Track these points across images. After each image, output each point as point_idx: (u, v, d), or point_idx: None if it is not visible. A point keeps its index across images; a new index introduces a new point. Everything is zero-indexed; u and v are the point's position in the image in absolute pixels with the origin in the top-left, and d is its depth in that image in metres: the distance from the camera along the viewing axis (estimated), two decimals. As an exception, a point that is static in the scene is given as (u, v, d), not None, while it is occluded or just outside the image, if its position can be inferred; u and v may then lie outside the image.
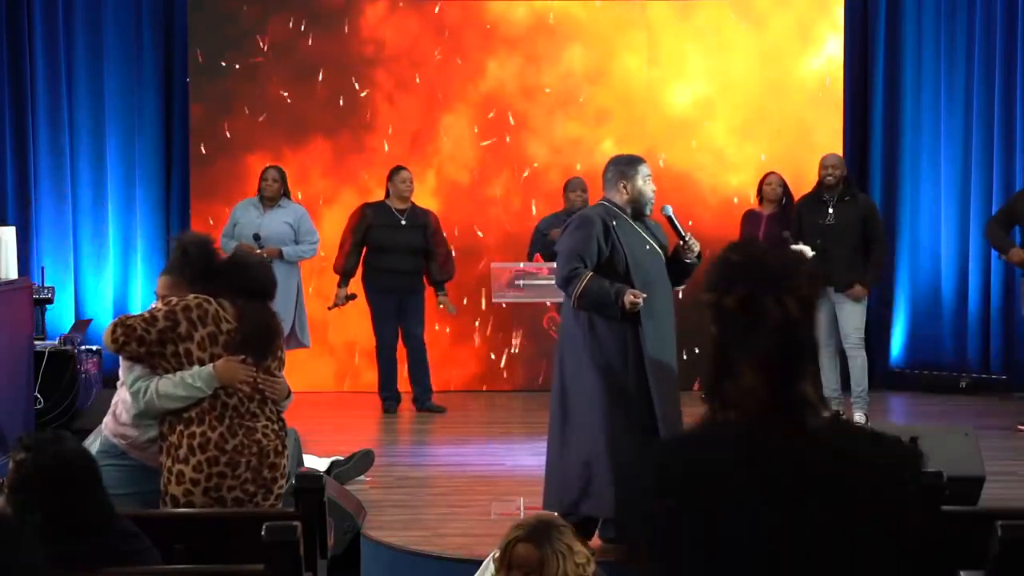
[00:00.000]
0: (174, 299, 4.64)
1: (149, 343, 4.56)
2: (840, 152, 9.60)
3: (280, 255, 9.00)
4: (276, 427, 4.72)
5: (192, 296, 4.63)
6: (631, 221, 5.82)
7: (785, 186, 9.15)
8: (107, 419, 4.86)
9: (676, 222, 5.99)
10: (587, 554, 3.84)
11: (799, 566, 2.06)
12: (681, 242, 5.87)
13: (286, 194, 9.28)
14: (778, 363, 2.06)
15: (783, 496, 2.06)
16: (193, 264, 4.73)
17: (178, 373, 4.57)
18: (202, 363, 4.58)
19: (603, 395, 5.72)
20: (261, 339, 4.70)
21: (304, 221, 9.23)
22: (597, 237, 5.74)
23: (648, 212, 5.88)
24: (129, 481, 4.69)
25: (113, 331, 4.59)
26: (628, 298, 5.64)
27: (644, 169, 5.89)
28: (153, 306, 4.72)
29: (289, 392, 4.85)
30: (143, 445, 4.73)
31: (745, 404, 2.08)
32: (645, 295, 5.67)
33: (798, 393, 2.08)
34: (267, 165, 9.43)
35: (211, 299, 4.63)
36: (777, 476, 2.07)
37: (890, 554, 2.08)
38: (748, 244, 2.21)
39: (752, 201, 9.40)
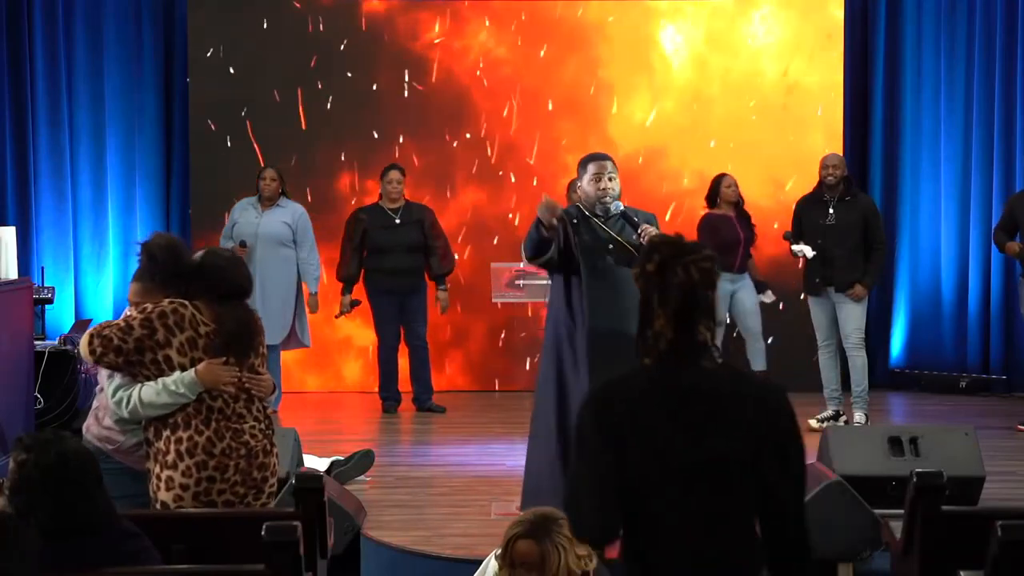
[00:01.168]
0: (149, 306, 4.56)
1: (127, 352, 4.50)
2: (840, 152, 9.60)
3: (312, 295, 9.14)
4: (263, 426, 4.67)
5: (167, 301, 4.56)
6: (596, 219, 5.79)
7: (738, 187, 9.18)
8: (89, 423, 4.80)
9: (628, 215, 5.89)
10: (588, 547, 3.84)
11: (689, 475, 2.80)
12: (635, 234, 5.78)
13: (284, 193, 9.27)
14: (682, 312, 2.84)
15: (679, 419, 2.82)
16: (162, 268, 4.65)
17: (160, 380, 4.50)
18: (183, 368, 4.51)
19: (550, 395, 5.76)
20: (242, 339, 4.62)
21: (302, 221, 9.22)
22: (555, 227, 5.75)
23: (600, 211, 5.81)
24: (114, 485, 4.64)
25: (90, 343, 4.53)
26: (542, 213, 5.61)
27: (593, 167, 5.82)
28: (127, 313, 4.64)
29: (275, 387, 4.81)
30: (130, 450, 4.69)
31: (658, 345, 2.85)
32: (548, 199, 5.65)
33: (696, 335, 2.86)
34: (265, 165, 9.42)
35: (186, 303, 4.56)
36: (675, 404, 2.83)
37: (761, 473, 2.81)
38: (669, 235, 2.95)
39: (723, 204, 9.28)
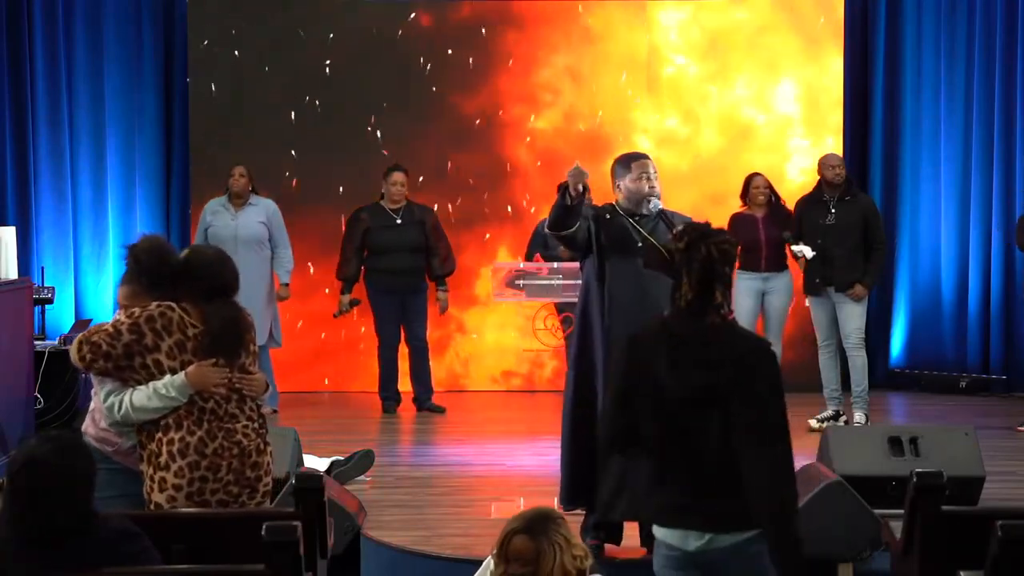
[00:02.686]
0: (136, 310, 4.55)
1: (116, 358, 4.50)
2: (840, 152, 9.60)
3: (284, 285, 9.21)
4: (256, 425, 4.66)
5: (154, 305, 4.55)
6: (628, 219, 5.74)
7: (771, 186, 9.10)
8: (87, 424, 4.79)
9: (667, 216, 5.85)
10: (585, 548, 3.85)
11: (684, 406, 3.58)
12: (671, 235, 5.70)
13: (254, 190, 9.30)
14: (702, 280, 3.65)
15: (683, 359, 3.62)
16: (148, 271, 4.64)
17: (151, 384, 4.50)
18: (173, 372, 4.51)
19: (572, 394, 5.74)
20: (230, 338, 4.61)
21: (276, 217, 9.26)
22: (587, 218, 5.70)
23: (643, 210, 5.74)
24: (114, 484, 4.64)
25: (79, 349, 4.53)
26: (569, 179, 5.52)
27: (637, 167, 5.75)
28: (116, 318, 4.64)
29: (267, 385, 4.79)
30: (128, 451, 4.69)
31: (680, 302, 3.67)
32: (579, 167, 5.54)
33: (711, 298, 3.65)
34: (234, 163, 9.42)
35: (173, 305, 4.55)
36: (681, 347, 3.64)
37: (744, 400, 3.55)
38: (697, 223, 3.86)
39: (738, 205, 9.28)
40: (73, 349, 4.59)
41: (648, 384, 3.63)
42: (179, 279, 4.62)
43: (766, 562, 3.54)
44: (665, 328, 3.69)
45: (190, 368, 4.52)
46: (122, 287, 4.76)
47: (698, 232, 3.73)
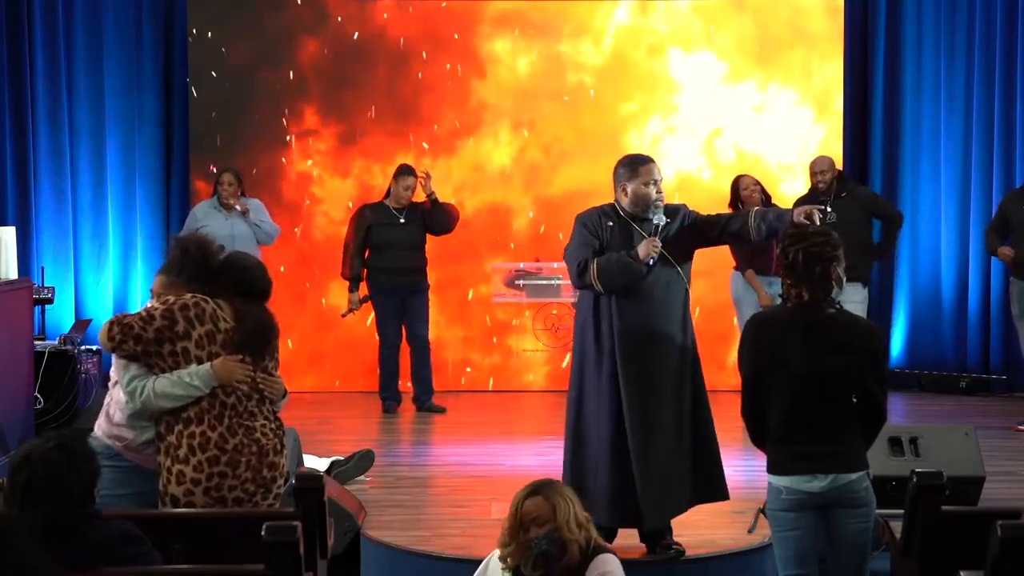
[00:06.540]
0: (170, 298, 4.62)
1: (146, 341, 4.54)
2: (840, 152, 9.60)
3: (247, 215, 9.27)
4: (274, 426, 4.72)
5: (189, 295, 4.62)
6: (632, 223, 5.70)
7: (759, 182, 9.02)
8: (100, 420, 4.82)
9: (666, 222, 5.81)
10: (587, 515, 4.15)
11: (812, 380, 4.25)
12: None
13: (243, 193, 9.46)
14: (801, 279, 4.31)
15: (805, 342, 4.27)
16: (192, 263, 4.71)
17: (175, 372, 4.54)
18: (200, 361, 4.56)
19: (576, 396, 5.71)
20: (260, 339, 4.69)
21: (263, 212, 9.46)
22: (594, 232, 5.68)
23: (651, 215, 5.67)
24: (124, 482, 4.66)
25: (109, 329, 4.57)
26: (641, 251, 5.54)
27: (645, 172, 5.66)
28: (149, 304, 4.70)
29: (285, 392, 4.86)
30: (139, 447, 4.70)
31: (791, 297, 4.34)
32: (658, 243, 5.54)
33: (816, 295, 4.31)
34: (222, 169, 9.54)
35: (208, 298, 4.62)
36: (803, 332, 4.28)
37: (861, 376, 4.30)
38: (801, 228, 4.86)
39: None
40: (103, 330, 4.62)
41: (779, 362, 4.26)
42: (219, 276, 4.69)
43: (871, 495, 4.33)
44: (792, 317, 4.32)
45: (216, 360, 4.57)
46: (159, 276, 4.83)
47: (792, 239, 4.37)
